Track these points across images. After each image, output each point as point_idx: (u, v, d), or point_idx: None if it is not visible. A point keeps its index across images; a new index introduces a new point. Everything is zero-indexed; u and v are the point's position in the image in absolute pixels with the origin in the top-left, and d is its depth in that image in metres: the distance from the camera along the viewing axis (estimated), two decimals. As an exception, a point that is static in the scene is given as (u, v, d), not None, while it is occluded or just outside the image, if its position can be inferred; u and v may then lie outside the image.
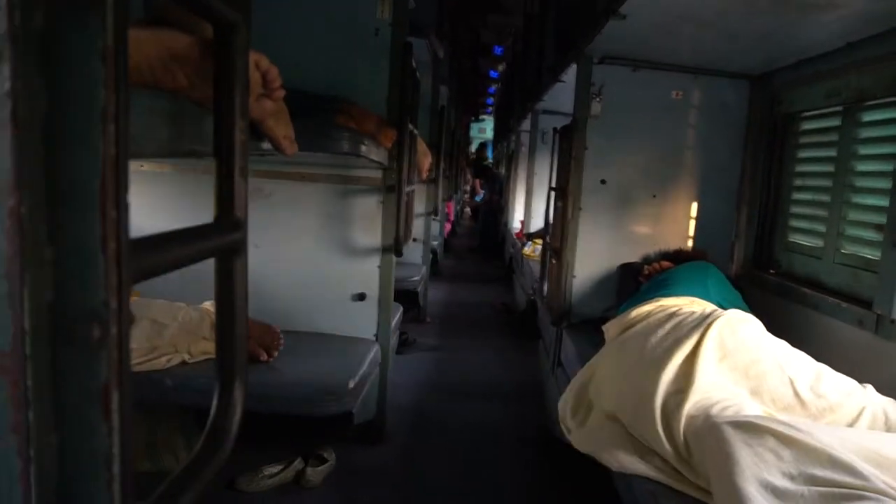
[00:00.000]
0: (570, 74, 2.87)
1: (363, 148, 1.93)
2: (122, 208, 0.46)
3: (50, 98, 0.44)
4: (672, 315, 1.79)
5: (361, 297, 2.60)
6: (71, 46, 0.43)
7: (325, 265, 2.60)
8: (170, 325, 2.13)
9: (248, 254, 0.72)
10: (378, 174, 2.55)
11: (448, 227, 8.08)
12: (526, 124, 5.77)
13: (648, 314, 1.90)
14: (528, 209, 5.70)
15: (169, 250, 0.55)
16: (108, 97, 0.44)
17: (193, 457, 0.68)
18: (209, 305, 2.26)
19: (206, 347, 2.20)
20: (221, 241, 0.67)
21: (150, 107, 0.68)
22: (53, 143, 0.44)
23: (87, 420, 0.47)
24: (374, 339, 2.60)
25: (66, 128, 0.44)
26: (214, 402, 0.73)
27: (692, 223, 2.77)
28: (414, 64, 2.44)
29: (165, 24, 0.74)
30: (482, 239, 9.33)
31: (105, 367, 0.47)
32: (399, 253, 2.52)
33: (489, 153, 11.65)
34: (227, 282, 0.71)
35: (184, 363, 2.14)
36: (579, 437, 1.72)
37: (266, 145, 0.96)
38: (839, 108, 2.15)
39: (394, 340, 2.92)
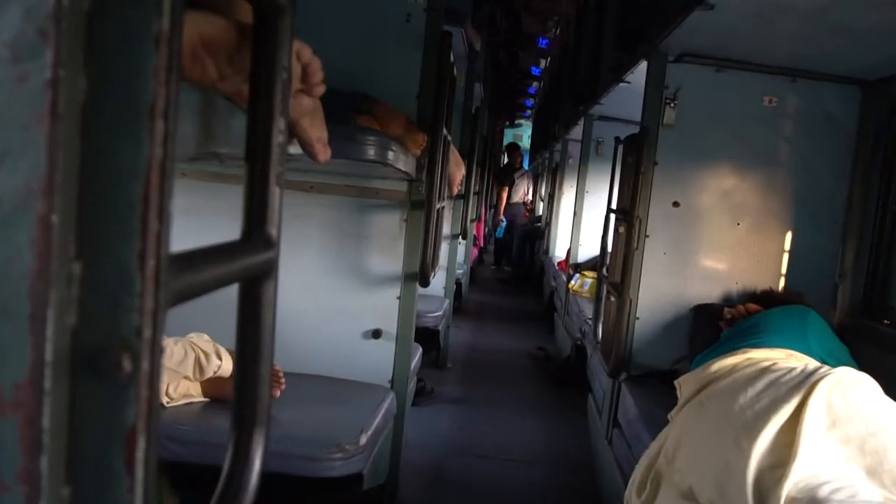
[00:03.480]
0: (637, 74, 2.89)
1: (390, 155, 1.95)
2: (165, 219, 0.47)
3: (91, 89, 0.46)
4: (765, 371, 1.77)
5: (376, 334, 2.61)
6: (121, 30, 0.45)
7: (334, 294, 2.62)
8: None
9: (279, 278, 0.74)
10: (402, 186, 2.58)
11: (475, 252, 8.09)
12: (576, 132, 5.79)
13: (734, 368, 1.88)
14: (575, 234, 5.69)
15: (204, 271, 0.56)
16: (157, 89, 0.46)
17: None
18: (195, 338, 2.29)
19: (188, 389, 2.23)
20: (252, 261, 0.69)
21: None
22: (91, 142, 0.46)
23: (108, 470, 0.48)
24: (388, 385, 2.61)
25: (107, 124, 0.46)
26: (229, 454, 0.74)
27: (785, 258, 2.75)
28: (452, 58, 2.49)
29: (195, 3, 0.77)
30: (515, 268, 9.33)
31: (133, 408, 0.48)
32: (426, 283, 2.54)
33: (525, 163, 11.63)
34: (253, 309, 0.72)
35: (161, 407, 2.15)
36: None
37: (294, 149, 0.98)
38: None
39: (411, 388, 2.92)
